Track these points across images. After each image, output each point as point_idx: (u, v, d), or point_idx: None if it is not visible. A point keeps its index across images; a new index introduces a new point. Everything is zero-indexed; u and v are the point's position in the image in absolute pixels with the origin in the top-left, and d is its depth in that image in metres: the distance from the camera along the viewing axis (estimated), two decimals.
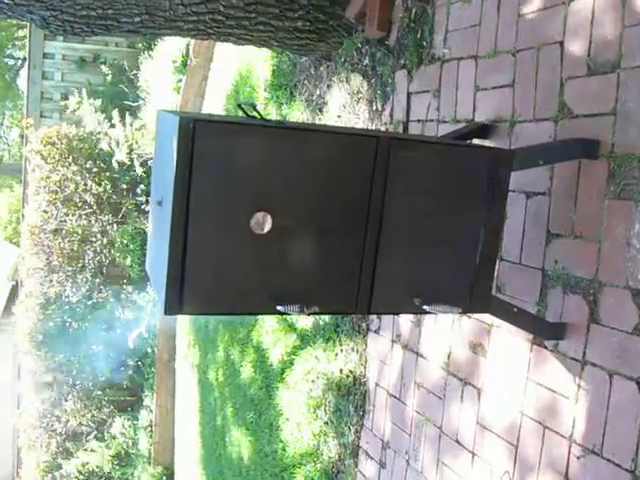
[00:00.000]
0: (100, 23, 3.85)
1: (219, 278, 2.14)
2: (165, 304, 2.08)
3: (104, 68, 10.73)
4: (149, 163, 8.88)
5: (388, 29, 3.79)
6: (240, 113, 2.33)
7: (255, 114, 2.24)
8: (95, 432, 9.87)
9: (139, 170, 8.87)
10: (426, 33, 3.47)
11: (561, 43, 2.63)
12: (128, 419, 9.82)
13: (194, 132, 1.99)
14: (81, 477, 9.87)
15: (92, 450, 9.75)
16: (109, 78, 10.64)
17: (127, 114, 8.78)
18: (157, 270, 2.24)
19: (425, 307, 2.33)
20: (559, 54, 2.64)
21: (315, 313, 2.24)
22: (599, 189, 2.43)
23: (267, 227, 2.12)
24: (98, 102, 9.31)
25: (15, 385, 11.20)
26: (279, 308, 2.15)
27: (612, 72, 2.40)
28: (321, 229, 2.23)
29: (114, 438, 9.78)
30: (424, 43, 3.49)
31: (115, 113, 8.73)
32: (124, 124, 8.64)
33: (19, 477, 10.76)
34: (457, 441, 3.17)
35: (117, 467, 9.80)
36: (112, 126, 8.78)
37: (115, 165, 8.69)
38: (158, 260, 2.22)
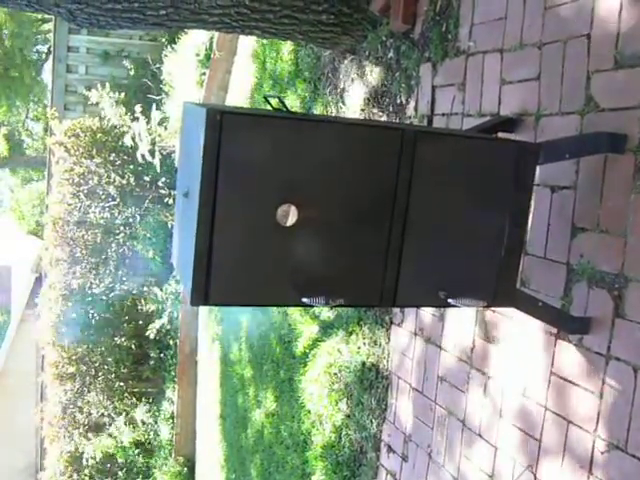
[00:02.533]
0: (125, 16, 3.87)
1: (245, 269, 2.16)
2: (191, 295, 2.10)
3: (128, 62, 10.77)
4: (172, 156, 8.92)
5: (413, 22, 3.78)
6: (266, 105, 2.34)
7: (281, 106, 2.25)
8: (117, 423, 9.94)
9: (161, 163, 8.91)
10: (451, 26, 3.46)
11: (588, 36, 2.61)
12: (149, 410, 9.88)
13: (221, 124, 2.00)
14: (103, 465, 9.98)
15: (115, 436, 9.83)
16: (132, 72, 10.68)
17: (150, 107, 8.81)
18: (183, 261, 2.26)
19: (450, 300, 2.33)
20: (586, 47, 2.62)
21: (340, 305, 2.25)
22: (625, 184, 2.42)
23: (292, 219, 2.13)
24: (121, 95, 9.35)
25: (38, 376, 11.31)
26: (304, 300, 2.16)
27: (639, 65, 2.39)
28: (347, 222, 2.23)
29: (135, 427, 9.85)
30: (449, 36, 3.48)
31: (137, 107, 8.78)
32: (147, 117, 8.68)
33: (43, 467, 10.87)
34: (480, 435, 3.17)
35: (139, 456, 9.87)
36: (134, 120, 8.82)
37: (139, 158, 8.74)
38: (184, 251, 2.23)
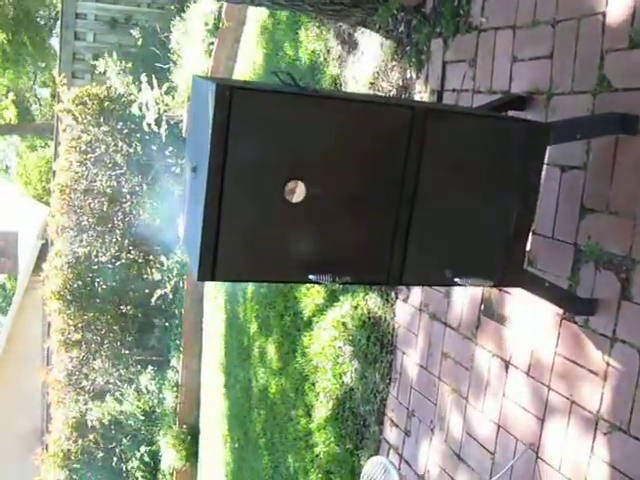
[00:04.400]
0: None
1: (252, 246, 2.16)
2: (198, 271, 2.10)
3: (136, 30, 10.68)
4: (180, 125, 8.89)
5: None
6: (276, 80, 2.32)
7: (291, 82, 2.23)
8: (122, 389, 10.02)
9: (168, 132, 8.88)
10: (463, 1, 3.42)
11: (603, 14, 2.58)
12: (154, 378, 9.94)
13: (230, 100, 1.99)
14: (108, 431, 10.08)
15: (120, 400, 9.91)
16: (140, 40, 10.59)
17: (157, 76, 8.75)
18: (191, 236, 2.26)
19: (457, 280, 2.33)
20: (600, 25, 2.58)
21: (347, 283, 2.25)
22: (636, 165, 2.40)
23: (300, 196, 2.12)
24: (128, 64, 9.30)
25: (45, 342, 11.38)
26: (311, 277, 2.16)
27: None
28: (355, 199, 2.23)
29: (140, 394, 9.92)
30: (461, 11, 3.44)
31: (144, 76, 8.73)
32: (153, 87, 8.63)
33: (49, 432, 10.99)
34: (482, 412, 3.18)
35: (143, 423, 9.96)
36: (140, 90, 8.78)
37: (145, 127, 8.70)
38: (192, 226, 2.23)
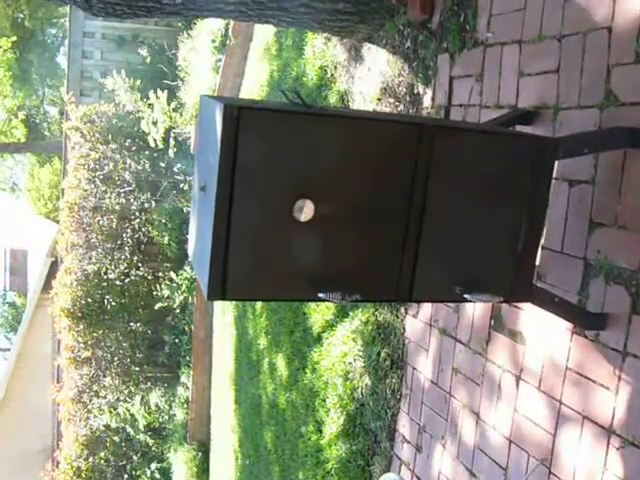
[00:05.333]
0: (142, 5, 3.86)
1: (261, 265, 2.16)
2: (208, 290, 2.10)
3: (143, 47, 10.76)
4: (188, 142, 8.94)
5: (431, 12, 3.75)
6: (283, 98, 2.33)
7: (298, 100, 2.24)
8: (133, 404, 10.02)
9: (176, 149, 8.92)
10: (469, 16, 3.43)
11: (609, 29, 2.58)
12: (164, 395, 9.94)
13: (238, 119, 2.00)
14: (119, 449, 10.08)
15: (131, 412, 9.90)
16: (148, 57, 10.67)
17: (165, 93, 8.81)
18: (200, 255, 2.26)
19: (466, 296, 2.32)
20: (606, 40, 2.59)
21: (356, 301, 2.25)
22: None
23: (309, 214, 2.12)
24: (136, 82, 9.37)
25: (55, 359, 11.40)
26: (320, 295, 2.16)
27: None
28: (363, 217, 2.23)
29: (150, 411, 9.92)
30: (467, 27, 3.45)
31: (152, 93, 8.79)
32: (162, 104, 8.68)
33: (59, 449, 10.98)
34: (494, 427, 3.17)
35: (153, 439, 9.94)
36: (149, 106, 8.83)
37: (151, 143, 8.75)
38: (201, 245, 2.24)
